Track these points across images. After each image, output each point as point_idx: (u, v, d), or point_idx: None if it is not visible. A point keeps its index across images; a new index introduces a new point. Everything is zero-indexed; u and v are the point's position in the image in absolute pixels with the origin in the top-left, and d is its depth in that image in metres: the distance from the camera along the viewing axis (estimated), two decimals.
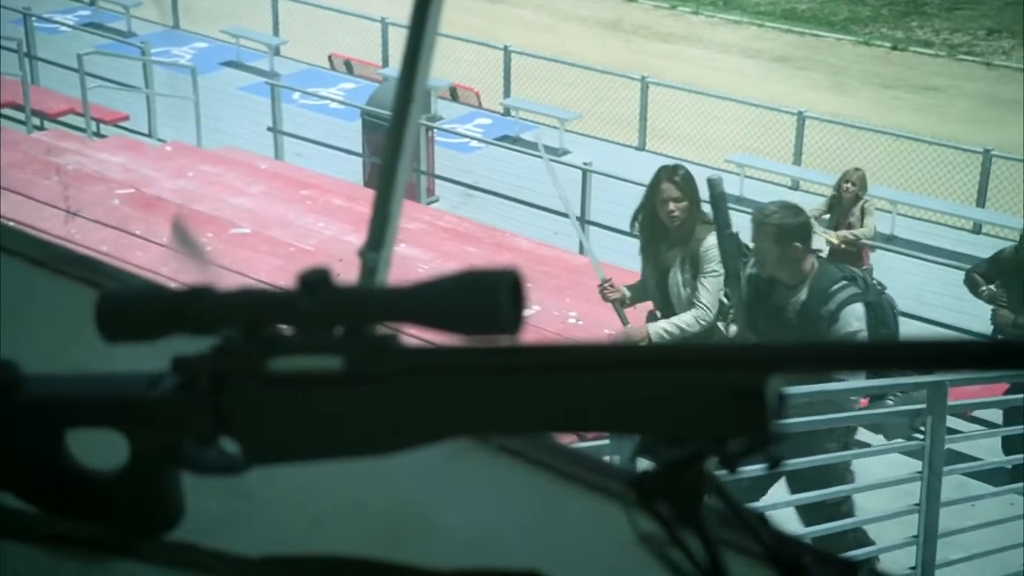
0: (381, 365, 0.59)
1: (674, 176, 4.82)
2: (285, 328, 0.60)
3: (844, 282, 4.33)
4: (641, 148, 12.88)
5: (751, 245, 4.66)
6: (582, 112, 13.06)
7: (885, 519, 4.72)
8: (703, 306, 4.71)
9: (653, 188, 4.85)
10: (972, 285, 6.92)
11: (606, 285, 5.02)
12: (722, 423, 0.57)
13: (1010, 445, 6.26)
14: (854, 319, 4.25)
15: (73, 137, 11.15)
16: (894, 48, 17.81)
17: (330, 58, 14.62)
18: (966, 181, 11.61)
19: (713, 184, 4.70)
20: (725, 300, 4.75)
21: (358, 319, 0.60)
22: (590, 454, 0.78)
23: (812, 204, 8.11)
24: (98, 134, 11.73)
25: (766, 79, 15.73)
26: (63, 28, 14.51)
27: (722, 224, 4.72)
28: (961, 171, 11.66)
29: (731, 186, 11.68)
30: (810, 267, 4.43)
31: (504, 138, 12.27)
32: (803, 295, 4.39)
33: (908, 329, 7.70)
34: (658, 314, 4.90)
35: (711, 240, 4.73)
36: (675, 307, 4.78)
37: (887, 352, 0.56)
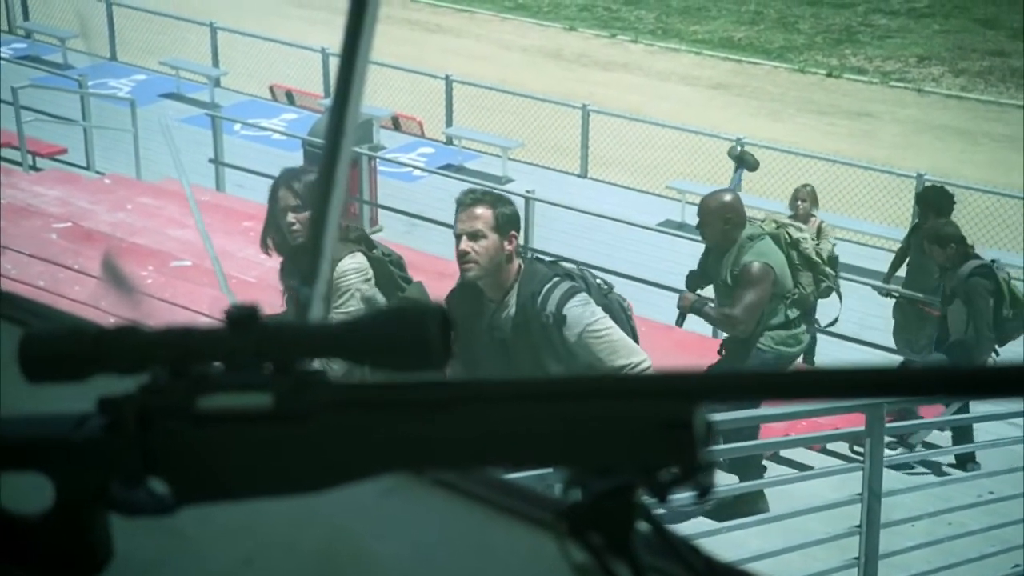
0: (310, 401, 0.59)
1: (294, 181, 3.86)
2: (214, 365, 0.60)
3: (556, 279, 3.61)
4: (583, 175, 12.97)
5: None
6: (524, 140, 13.13)
7: (826, 541, 4.76)
8: None
9: (272, 198, 3.92)
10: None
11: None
12: (651, 453, 0.57)
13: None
14: (580, 309, 3.54)
15: (9, 171, 10.98)
16: (829, 75, 18.14)
17: (271, 89, 14.56)
18: (900, 205, 11.82)
19: None
20: None
21: (287, 355, 0.60)
22: (524, 485, 0.78)
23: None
24: (34, 167, 11.56)
25: (705, 106, 15.94)
26: None
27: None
28: (895, 195, 11.87)
29: (673, 212, 11.84)
30: (516, 272, 3.65)
31: (447, 167, 12.29)
32: (512, 310, 3.62)
33: (852, 353, 7.82)
34: None
35: (348, 263, 3.76)
36: None
37: (820, 381, 0.57)
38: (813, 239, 5.57)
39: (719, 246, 5.30)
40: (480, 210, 3.60)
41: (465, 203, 3.66)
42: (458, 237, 3.62)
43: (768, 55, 18.91)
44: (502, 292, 3.63)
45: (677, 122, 13.33)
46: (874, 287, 8.25)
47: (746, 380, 0.58)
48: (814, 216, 8.33)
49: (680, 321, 5.70)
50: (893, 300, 7.98)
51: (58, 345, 0.59)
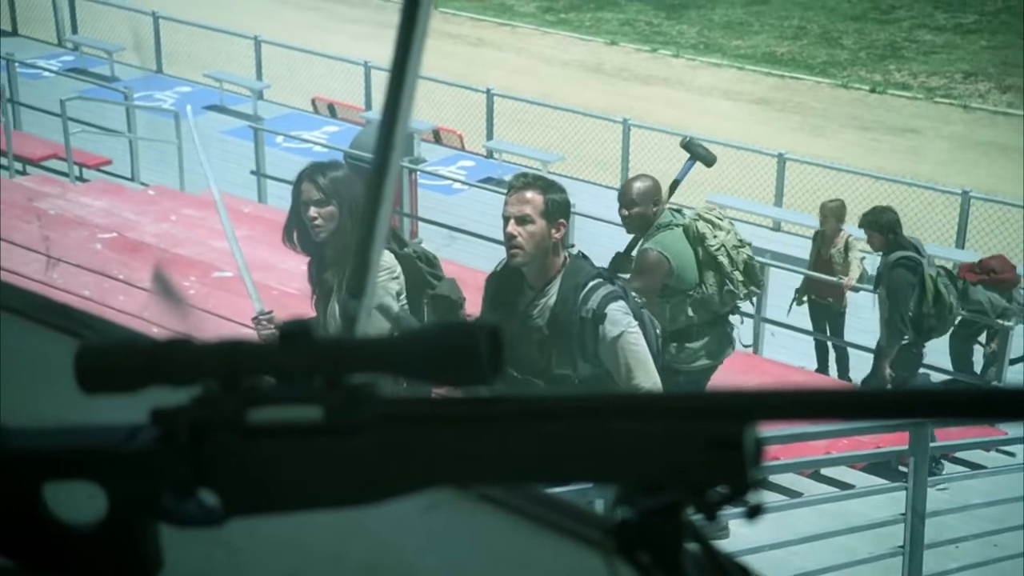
0: (360, 416, 0.59)
1: (318, 176, 3.77)
2: (265, 379, 0.60)
3: (601, 280, 3.62)
4: None
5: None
6: (564, 154, 13.13)
7: (870, 561, 4.70)
8: None
9: (295, 190, 3.85)
10: None
11: (262, 319, 3.97)
12: (700, 472, 0.57)
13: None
14: (622, 314, 3.54)
15: (55, 182, 11.14)
16: (872, 91, 18.01)
17: (313, 101, 14.67)
18: (945, 223, 11.70)
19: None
20: None
21: (337, 370, 0.60)
22: (570, 501, 0.78)
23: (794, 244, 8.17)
24: (80, 179, 11.72)
25: (746, 121, 15.87)
26: (46, 73, 14.54)
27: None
28: (940, 212, 11.75)
29: None
30: (561, 264, 3.62)
31: (487, 180, 12.31)
32: (552, 299, 3.60)
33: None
34: None
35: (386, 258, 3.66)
36: None
37: (872, 401, 0.56)
38: (738, 241, 5.10)
39: (641, 230, 5.00)
40: (530, 194, 3.57)
41: (516, 186, 3.63)
42: (506, 220, 3.59)
43: (811, 70, 18.81)
44: (544, 280, 3.59)
45: (718, 137, 13.28)
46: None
47: (798, 399, 0.57)
48: (842, 230, 8.28)
49: None
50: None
51: (113, 357, 0.60)
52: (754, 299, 5.31)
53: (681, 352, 4.93)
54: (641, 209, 4.96)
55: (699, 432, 0.57)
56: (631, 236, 5.12)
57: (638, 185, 5.12)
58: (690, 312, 4.94)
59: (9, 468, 0.63)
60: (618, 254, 5.15)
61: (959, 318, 7.07)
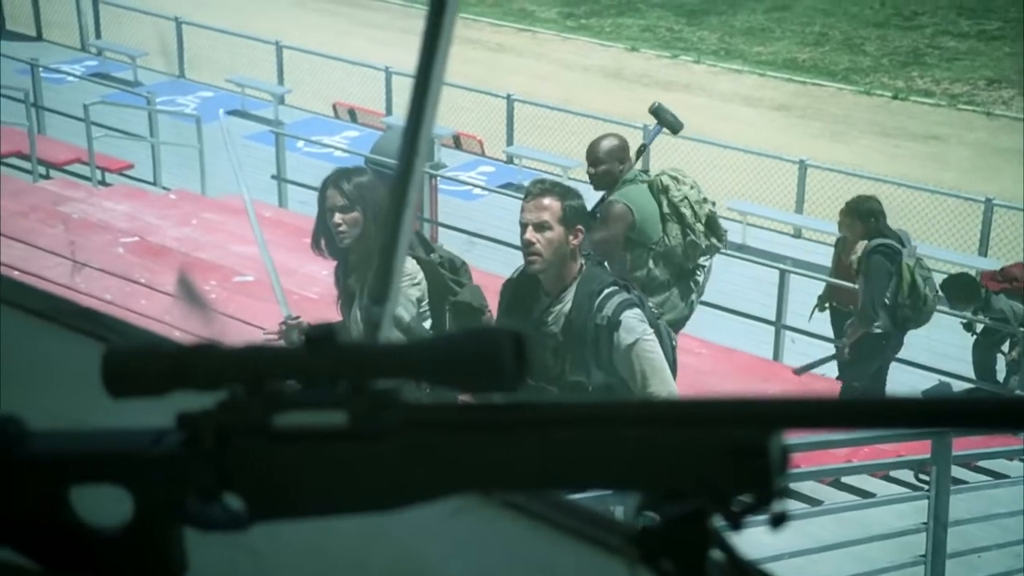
0: (385, 421, 0.59)
1: (343, 182, 3.83)
2: (290, 384, 0.60)
3: (616, 287, 3.61)
4: None
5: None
6: (584, 160, 13.12)
7: (892, 570, 4.68)
8: None
9: (320, 197, 3.92)
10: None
11: (289, 324, 4.00)
12: (725, 480, 0.57)
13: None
14: (637, 322, 3.53)
15: (79, 186, 11.21)
16: (895, 98, 17.94)
17: (334, 106, 14.72)
18: (968, 230, 11.63)
19: None
20: None
21: (362, 375, 0.60)
22: (592, 508, 0.78)
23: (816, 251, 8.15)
24: (103, 183, 11.80)
25: (767, 128, 15.83)
26: (70, 78, 14.64)
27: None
28: (963, 220, 11.69)
29: (733, 233, 11.75)
30: (577, 271, 3.63)
31: (507, 186, 12.32)
32: (567, 306, 3.59)
33: (922, 381, 7.71)
34: None
35: (407, 265, 3.64)
36: None
37: (900, 409, 0.56)
38: (701, 197, 5.22)
39: (607, 187, 5.12)
40: (548, 201, 3.59)
41: (533, 193, 3.65)
42: (523, 226, 3.61)
43: (833, 77, 18.74)
44: (560, 287, 3.60)
45: (739, 143, 13.25)
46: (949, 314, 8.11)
47: (825, 407, 0.57)
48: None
49: None
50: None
51: (140, 361, 0.60)
52: (714, 255, 5.39)
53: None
54: (608, 167, 5.11)
55: (723, 439, 0.57)
56: (599, 194, 5.24)
57: (605, 143, 5.29)
58: (651, 265, 5.05)
59: (36, 471, 0.63)
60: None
61: (933, 312, 7.10)
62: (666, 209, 5.12)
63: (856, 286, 8.05)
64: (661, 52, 19.80)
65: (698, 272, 5.31)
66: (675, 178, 5.24)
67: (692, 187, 5.25)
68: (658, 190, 5.14)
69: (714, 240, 5.29)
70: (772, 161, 12.51)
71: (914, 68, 19.14)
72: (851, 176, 12.27)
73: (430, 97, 0.89)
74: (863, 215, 6.77)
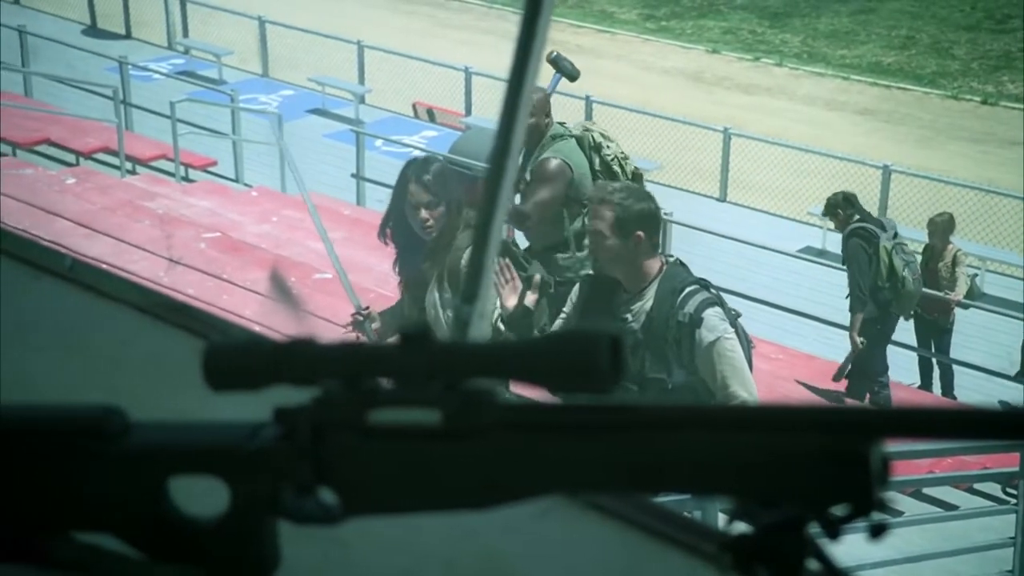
0: (479, 420, 0.60)
1: (423, 175, 3.95)
2: (385, 381, 0.61)
3: (698, 286, 3.65)
4: (722, 199, 12.82)
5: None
6: (663, 163, 13.05)
7: None
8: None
9: (400, 191, 4.04)
10: None
11: (360, 315, 4.11)
12: (824, 489, 0.56)
13: None
14: (718, 320, 3.55)
15: (164, 182, 11.44)
16: (984, 102, 17.53)
17: (414, 106, 14.83)
18: None
19: None
20: (501, 327, 3.80)
21: (456, 374, 0.60)
22: (682, 513, 0.77)
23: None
24: (187, 179, 12.03)
25: (850, 132, 15.58)
26: (157, 76, 14.95)
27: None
28: None
29: (814, 239, 11.60)
30: (658, 269, 3.66)
31: None
32: (648, 303, 3.62)
33: (1001, 390, 7.53)
34: None
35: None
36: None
37: (1007, 421, 0.55)
38: (622, 153, 5.18)
39: (531, 141, 5.00)
40: (603, 209, 3.68)
41: (593, 199, 3.81)
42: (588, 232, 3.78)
43: (919, 81, 18.38)
44: (640, 285, 3.65)
45: (821, 147, 13.06)
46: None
47: (927, 416, 0.56)
48: (951, 244, 8.17)
49: None
50: None
51: (239, 357, 0.61)
52: None
53: (568, 260, 4.96)
54: (534, 120, 4.94)
55: (824, 447, 0.56)
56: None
57: (536, 94, 5.13)
58: (579, 225, 4.93)
59: (138, 462, 0.65)
60: None
61: (916, 296, 7.14)
62: (598, 167, 5.06)
63: (943, 294, 7.92)
64: (743, 55, 19.59)
65: None
66: (603, 135, 5.20)
67: (615, 142, 5.21)
68: (589, 147, 5.07)
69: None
70: (855, 166, 12.31)
71: (1005, 72, 18.68)
72: (937, 182, 12.03)
73: (523, 98, 0.90)
74: (831, 208, 6.96)
